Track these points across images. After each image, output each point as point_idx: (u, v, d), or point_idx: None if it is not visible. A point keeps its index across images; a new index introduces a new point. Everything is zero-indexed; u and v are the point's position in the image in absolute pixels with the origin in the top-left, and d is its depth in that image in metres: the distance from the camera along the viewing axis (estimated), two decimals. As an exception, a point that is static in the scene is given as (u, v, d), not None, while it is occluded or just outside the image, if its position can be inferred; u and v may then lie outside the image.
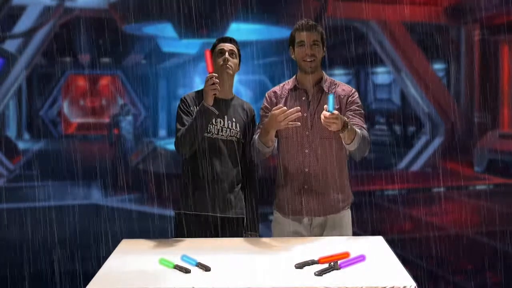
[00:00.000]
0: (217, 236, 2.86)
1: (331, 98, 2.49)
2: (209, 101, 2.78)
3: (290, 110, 2.53)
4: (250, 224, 2.99)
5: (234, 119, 2.93)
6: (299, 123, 2.61)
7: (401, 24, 12.77)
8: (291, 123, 2.54)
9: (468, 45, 13.08)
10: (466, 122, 13.09)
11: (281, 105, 2.61)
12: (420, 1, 12.90)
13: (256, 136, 2.76)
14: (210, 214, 2.89)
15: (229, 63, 2.96)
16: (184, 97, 2.98)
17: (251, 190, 3.02)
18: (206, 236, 2.86)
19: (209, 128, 2.87)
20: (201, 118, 2.74)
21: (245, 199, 3.01)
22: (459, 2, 12.54)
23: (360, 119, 2.82)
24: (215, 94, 2.78)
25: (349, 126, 2.58)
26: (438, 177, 11.64)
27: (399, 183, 10.95)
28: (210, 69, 2.80)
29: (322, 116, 2.52)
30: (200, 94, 2.92)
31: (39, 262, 5.94)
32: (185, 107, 2.91)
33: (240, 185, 2.99)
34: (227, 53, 2.97)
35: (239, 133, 2.94)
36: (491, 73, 12.55)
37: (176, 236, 2.90)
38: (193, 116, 2.80)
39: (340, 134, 2.60)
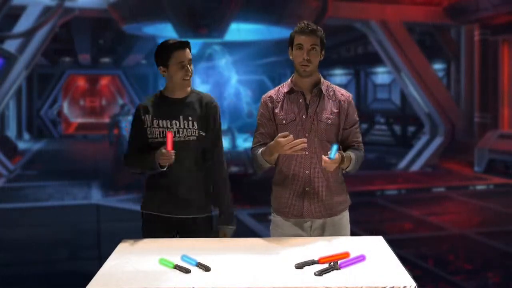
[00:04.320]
0: (179, 235, 2.84)
1: (335, 147, 2.58)
2: (160, 164, 2.77)
3: (296, 141, 2.58)
4: (225, 218, 2.91)
5: (190, 118, 2.84)
6: (304, 152, 2.67)
7: (401, 24, 12.77)
8: (295, 151, 2.59)
9: (468, 45, 13.09)
10: (466, 122, 13.10)
11: (287, 132, 2.62)
12: (420, 1, 12.91)
13: (258, 152, 2.76)
14: (173, 216, 2.85)
15: (190, 74, 2.83)
16: (138, 106, 2.92)
17: (220, 183, 2.93)
18: (169, 236, 2.82)
19: (165, 133, 2.80)
20: (149, 168, 2.78)
21: (217, 193, 2.93)
22: (459, 2, 12.54)
23: (359, 134, 2.89)
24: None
25: (345, 160, 2.69)
26: (438, 177, 11.66)
27: (399, 183, 10.96)
28: (169, 148, 2.70)
29: (323, 162, 2.61)
30: (155, 98, 2.87)
31: (39, 261, 5.94)
32: (137, 116, 2.86)
33: (204, 182, 2.91)
34: (187, 64, 2.81)
35: (197, 130, 2.85)
36: (491, 73, 12.56)
37: (143, 235, 2.89)
38: (145, 161, 2.77)
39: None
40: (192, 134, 2.83)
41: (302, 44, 2.74)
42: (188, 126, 2.83)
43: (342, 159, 2.66)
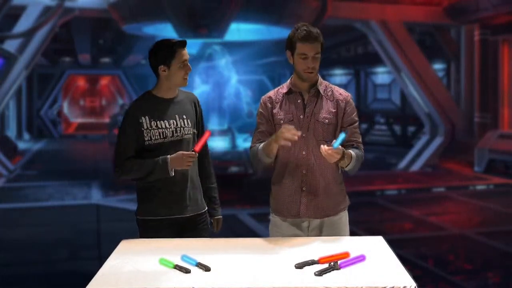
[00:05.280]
0: (185, 234, 2.84)
1: (342, 136, 2.58)
2: (175, 169, 2.77)
3: (295, 132, 2.59)
4: (218, 206, 3.01)
5: (185, 116, 2.86)
6: (289, 144, 2.63)
7: (401, 24, 12.77)
8: (285, 141, 2.59)
9: (468, 45, 13.10)
10: (466, 122, 13.11)
11: (292, 126, 2.61)
12: (420, 1, 12.91)
13: (259, 146, 2.76)
14: (181, 216, 2.84)
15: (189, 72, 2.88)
16: (131, 109, 2.81)
17: (211, 175, 3.02)
18: (175, 237, 2.82)
19: (164, 133, 2.80)
20: (157, 174, 2.75)
21: (208, 184, 2.99)
22: (459, 2, 12.53)
23: (358, 134, 2.87)
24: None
25: (345, 157, 2.67)
26: (438, 177, 11.66)
27: (399, 183, 10.96)
28: (198, 148, 2.74)
29: (323, 150, 2.58)
30: (148, 100, 2.83)
31: (39, 261, 5.94)
32: (133, 120, 2.78)
33: (198, 176, 2.97)
34: (187, 63, 2.83)
35: (191, 128, 2.88)
36: (491, 73, 12.56)
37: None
38: (151, 167, 2.74)
39: (339, 162, 2.70)
40: (188, 133, 2.85)
41: (307, 54, 2.74)
42: (184, 124, 2.85)
43: (342, 155, 2.64)
